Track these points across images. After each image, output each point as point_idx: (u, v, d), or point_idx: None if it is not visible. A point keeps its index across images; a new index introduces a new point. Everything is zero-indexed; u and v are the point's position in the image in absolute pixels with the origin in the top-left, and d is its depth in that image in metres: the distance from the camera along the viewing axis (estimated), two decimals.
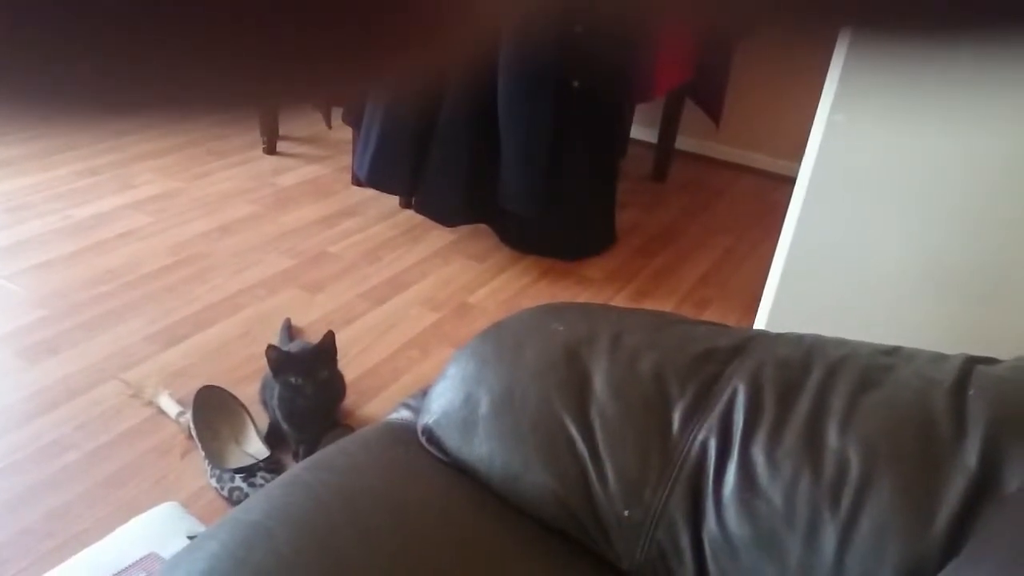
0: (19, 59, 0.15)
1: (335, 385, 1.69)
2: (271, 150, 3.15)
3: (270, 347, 1.58)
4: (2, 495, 1.48)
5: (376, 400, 1.83)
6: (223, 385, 1.73)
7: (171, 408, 1.70)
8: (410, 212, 2.66)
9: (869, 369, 0.87)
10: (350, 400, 1.77)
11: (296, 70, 0.17)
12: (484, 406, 0.92)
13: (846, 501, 0.77)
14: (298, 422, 1.63)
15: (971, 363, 0.87)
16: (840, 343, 0.94)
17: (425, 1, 0.17)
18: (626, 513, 0.84)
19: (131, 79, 0.16)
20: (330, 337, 1.63)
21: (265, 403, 1.71)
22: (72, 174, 2.81)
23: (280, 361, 1.58)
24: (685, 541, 0.83)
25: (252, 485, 1.51)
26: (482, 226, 2.55)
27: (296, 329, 2.04)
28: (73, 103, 0.16)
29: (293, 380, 1.58)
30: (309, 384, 1.58)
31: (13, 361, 1.84)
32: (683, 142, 3.30)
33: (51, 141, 3.01)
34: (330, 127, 3.07)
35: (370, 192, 2.67)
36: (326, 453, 0.93)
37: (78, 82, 0.15)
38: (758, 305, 1.64)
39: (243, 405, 1.70)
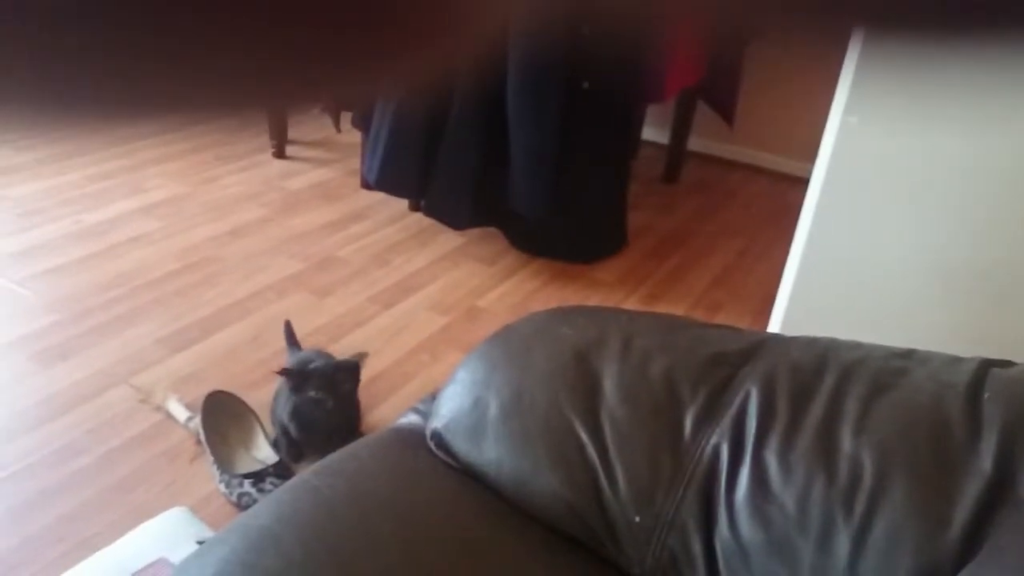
0: (27, 61, 0.14)
1: (355, 402, 1.67)
2: (280, 154, 3.16)
3: (285, 370, 1.56)
4: (13, 500, 1.49)
5: (385, 404, 1.82)
6: (232, 390, 1.72)
7: (180, 413, 1.69)
8: (419, 215, 2.66)
9: (883, 372, 0.86)
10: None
11: (305, 70, 0.17)
12: (493, 410, 0.91)
13: (860, 506, 0.76)
14: (315, 439, 1.59)
15: (986, 366, 0.86)
16: (854, 346, 0.92)
17: (433, 2, 0.17)
18: (637, 519, 0.84)
19: (141, 79, 0.16)
20: (358, 359, 1.61)
21: (273, 420, 1.68)
22: (83, 179, 2.82)
23: (299, 378, 1.56)
24: (697, 547, 0.82)
25: (261, 490, 1.50)
26: (492, 229, 2.55)
27: (302, 336, 2.04)
28: (82, 105, 0.16)
29: (314, 395, 1.55)
30: (330, 398, 1.56)
31: (25, 366, 1.85)
32: (695, 143, 3.29)
33: (62, 146, 3.02)
34: (339, 131, 3.07)
35: (379, 196, 2.66)
36: (334, 458, 0.92)
37: (87, 83, 0.15)
38: (771, 308, 1.63)
39: (252, 410, 1.70)
